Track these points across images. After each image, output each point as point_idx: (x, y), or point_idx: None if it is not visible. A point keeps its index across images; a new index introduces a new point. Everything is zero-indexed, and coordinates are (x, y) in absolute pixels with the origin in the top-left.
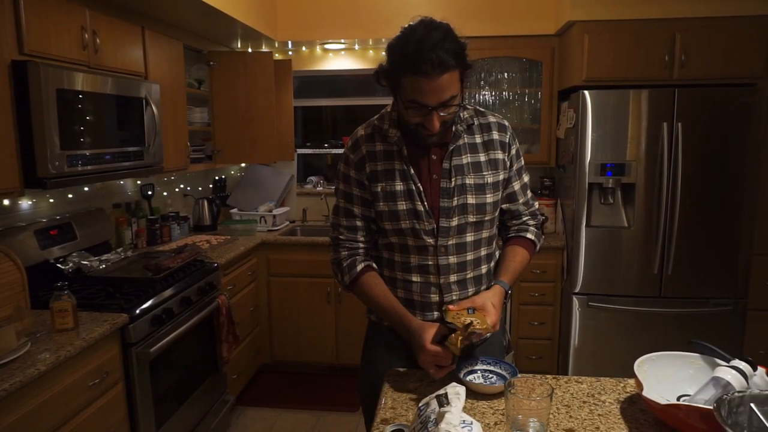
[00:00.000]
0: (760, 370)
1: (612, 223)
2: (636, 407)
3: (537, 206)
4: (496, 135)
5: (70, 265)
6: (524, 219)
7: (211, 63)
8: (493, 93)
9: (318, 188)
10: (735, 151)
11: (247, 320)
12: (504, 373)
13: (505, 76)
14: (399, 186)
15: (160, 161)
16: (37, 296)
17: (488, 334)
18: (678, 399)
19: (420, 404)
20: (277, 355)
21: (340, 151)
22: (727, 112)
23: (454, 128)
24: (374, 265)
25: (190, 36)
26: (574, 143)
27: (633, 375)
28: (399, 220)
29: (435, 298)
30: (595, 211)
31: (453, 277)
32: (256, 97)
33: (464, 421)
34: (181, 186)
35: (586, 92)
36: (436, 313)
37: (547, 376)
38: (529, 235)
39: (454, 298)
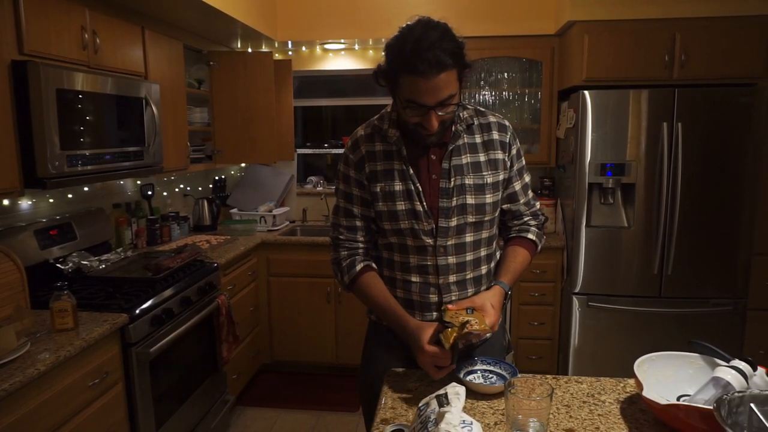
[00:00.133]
0: (760, 370)
1: (612, 223)
2: (636, 407)
3: (538, 206)
4: (496, 135)
5: (70, 265)
6: (525, 219)
7: (211, 63)
8: (493, 93)
9: (318, 188)
10: (735, 151)
11: (247, 320)
12: (504, 373)
13: (505, 76)
14: (398, 186)
15: (160, 161)
16: (37, 296)
17: (488, 335)
18: (678, 399)
19: (420, 404)
20: (277, 355)
21: (340, 151)
22: (727, 112)
23: (453, 128)
24: (374, 265)
25: (190, 36)
26: (574, 143)
27: (633, 375)
28: (398, 220)
29: (434, 298)
30: (595, 211)
31: (452, 278)
32: (256, 97)
33: (464, 421)
34: (181, 186)
35: (586, 92)
36: (435, 313)
37: (547, 376)
38: (530, 236)
39: (453, 298)
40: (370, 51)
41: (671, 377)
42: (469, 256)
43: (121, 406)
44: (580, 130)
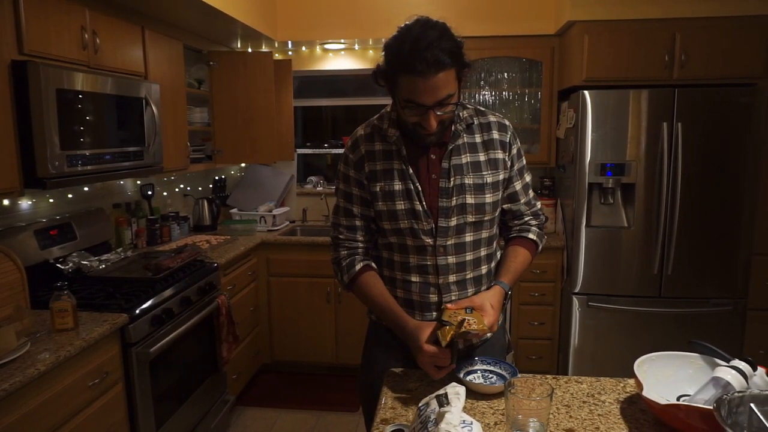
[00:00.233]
0: (760, 370)
1: (612, 223)
2: (636, 407)
3: (539, 206)
4: (496, 134)
5: (70, 265)
6: (526, 219)
7: (211, 63)
8: (493, 93)
9: (318, 188)
10: (735, 151)
11: (247, 320)
12: (504, 373)
13: (505, 76)
14: (398, 185)
15: (160, 161)
16: (37, 296)
17: (489, 335)
18: (678, 399)
19: (420, 404)
20: (277, 355)
21: (340, 151)
22: (727, 112)
23: (453, 127)
24: (373, 264)
25: (190, 36)
26: (574, 143)
27: (633, 375)
28: (397, 220)
29: (434, 298)
30: (595, 211)
31: (452, 278)
32: (256, 97)
33: (464, 421)
34: (181, 186)
35: (586, 92)
36: (435, 313)
37: (547, 376)
38: (531, 236)
39: (453, 298)
40: (370, 51)
41: (671, 377)
42: (469, 256)
43: (121, 406)
44: (580, 130)
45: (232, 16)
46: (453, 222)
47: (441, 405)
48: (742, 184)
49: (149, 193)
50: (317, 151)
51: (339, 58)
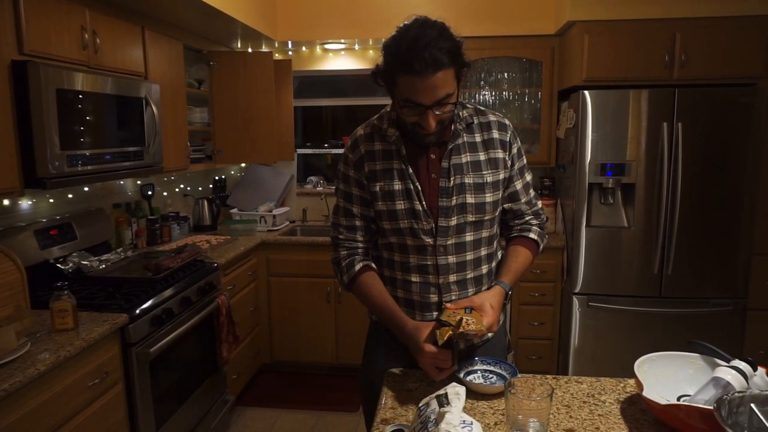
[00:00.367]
0: (760, 370)
1: (612, 223)
2: (636, 407)
3: (540, 205)
4: (496, 134)
5: (70, 265)
6: (527, 218)
7: (211, 63)
8: (493, 93)
9: (318, 188)
10: (735, 151)
11: (247, 320)
12: (504, 373)
13: (505, 76)
14: (397, 185)
15: (160, 161)
16: (37, 296)
17: (489, 335)
18: (678, 399)
19: (420, 404)
20: (277, 355)
21: (340, 151)
22: (727, 112)
23: (453, 127)
24: (373, 265)
25: (190, 36)
26: (574, 143)
27: (633, 375)
28: (397, 220)
29: (434, 298)
30: (595, 211)
31: (452, 277)
32: (256, 97)
33: (464, 421)
34: (181, 186)
35: (586, 92)
36: (435, 313)
37: (547, 376)
38: (532, 235)
39: (453, 298)
40: (370, 51)
41: (671, 377)
42: (469, 256)
43: (121, 406)
44: (580, 130)
45: (232, 16)
46: (453, 221)
47: (441, 405)
48: (742, 184)
49: (149, 193)
50: (317, 151)
51: (339, 58)
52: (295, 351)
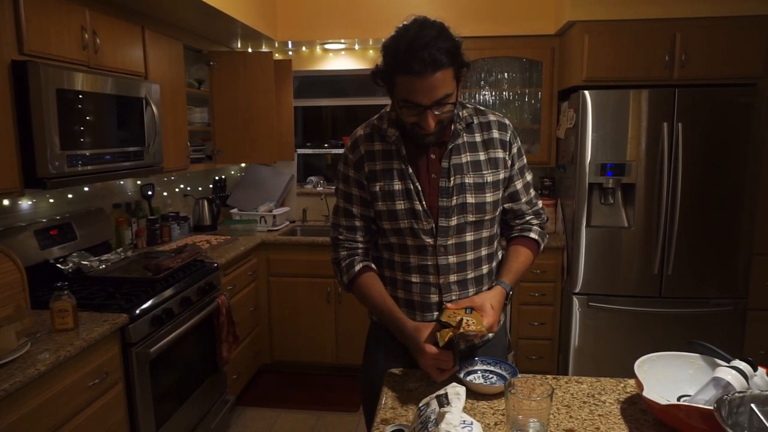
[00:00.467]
0: (761, 370)
1: (612, 223)
2: (636, 407)
3: (540, 205)
4: (496, 133)
5: (70, 265)
6: (527, 218)
7: (211, 63)
8: (493, 93)
9: (318, 188)
10: (735, 151)
11: (247, 320)
12: (504, 373)
13: (505, 76)
14: (397, 185)
15: (160, 161)
16: (37, 296)
17: (490, 335)
18: (678, 399)
19: (420, 404)
20: (277, 355)
21: (340, 151)
22: (727, 112)
23: (453, 127)
24: (373, 265)
25: (190, 36)
26: (574, 143)
27: (633, 375)
28: (397, 220)
29: (435, 298)
30: (595, 211)
31: (453, 278)
32: (256, 97)
33: (464, 421)
34: (181, 186)
35: (586, 92)
36: (436, 313)
37: (548, 376)
38: (533, 235)
39: (454, 298)
40: (370, 51)
41: (671, 377)
42: (469, 256)
43: (121, 406)
44: (581, 130)
45: (232, 16)
46: (453, 221)
47: (441, 405)
48: (742, 184)
49: (149, 193)
50: (317, 151)
51: (339, 58)
52: (295, 351)
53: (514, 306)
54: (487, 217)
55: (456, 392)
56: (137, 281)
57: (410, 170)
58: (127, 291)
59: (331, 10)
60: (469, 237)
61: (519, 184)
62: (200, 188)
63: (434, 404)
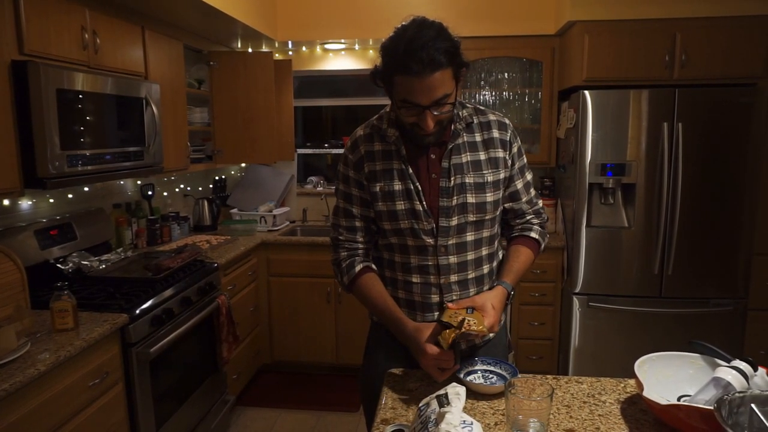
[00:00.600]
0: (761, 370)
1: (612, 223)
2: (636, 407)
3: (541, 204)
4: (496, 133)
5: (70, 265)
6: (528, 218)
7: (211, 63)
8: (493, 93)
9: (318, 188)
10: (735, 151)
11: (247, 320)
12: (504, 373)
13: (505, 76)
14: (397, 185)
15: (160, 161)
16: (37, 296)
17: (491, 335)
18: (678, 399)
19: (420, 404)
20: (277, 355)
21: (341, 151)
22: (727, 112)
23: (452, 127)
24: (373, 266)
25: (190, 36)
26: (574, 143)
27: (633, 375)
28: (398, 220)
29: (436, 298)
30: (595, 211)
31: (453, 278)
32: (256, 97)
33: (464, 421)
34: (181, 186)
35: (587, 92)
36: (436, 314)
37: (548, 376)
38: (533, 234)
39: (455, 298)
40: (370, 51)
41: (672, 377)
42: (470, 256)
43: (121, 406)
44: (581, 130)
45: (232, 16)
46: (454, 221)
47: (441, 405)
48: (742, 184)
49: (149, 193)
50: (317, 151)
51: (339, 58)
52: (295, 351)
53: (515, 306)
54: (487, 217)
55: (456, 392)
56: (137, 281)
57: (410, 170)
58: (127, 291)
59: (331, 10)
60: (469, 237)
61: (519, 184)
62: (200, 188)
63: (434, 404)
